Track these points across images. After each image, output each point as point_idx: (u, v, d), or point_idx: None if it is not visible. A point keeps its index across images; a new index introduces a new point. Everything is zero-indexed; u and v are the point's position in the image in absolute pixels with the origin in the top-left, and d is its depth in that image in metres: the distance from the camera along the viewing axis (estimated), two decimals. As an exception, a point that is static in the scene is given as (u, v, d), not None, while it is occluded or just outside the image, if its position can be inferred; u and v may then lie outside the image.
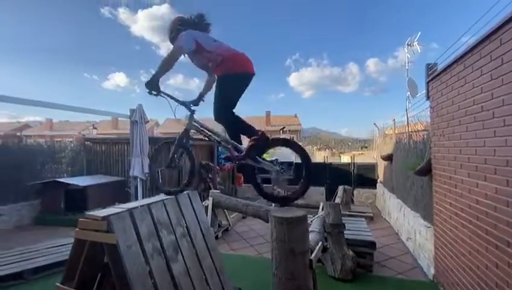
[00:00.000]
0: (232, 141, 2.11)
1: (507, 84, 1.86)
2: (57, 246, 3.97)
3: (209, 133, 2.19)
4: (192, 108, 2.24)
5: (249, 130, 2.07)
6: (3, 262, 3.39)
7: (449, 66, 2.78)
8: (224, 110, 2.05)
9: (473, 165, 2.34)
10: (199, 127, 2.18)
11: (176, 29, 2.17)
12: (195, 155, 7.94)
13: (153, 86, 1.95)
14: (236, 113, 2.10)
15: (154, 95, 1.99)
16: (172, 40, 2.18)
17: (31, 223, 5.87)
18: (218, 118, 2.05)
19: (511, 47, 1.82)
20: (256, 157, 2.06)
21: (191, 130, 2.20)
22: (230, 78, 2.05)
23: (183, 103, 2.20)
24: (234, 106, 2.09)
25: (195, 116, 2.21)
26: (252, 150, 2.00)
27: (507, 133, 1.87)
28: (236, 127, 2.12)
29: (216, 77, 2.13)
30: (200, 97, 2.38)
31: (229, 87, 2.07)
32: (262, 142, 2.01)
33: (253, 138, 2.00)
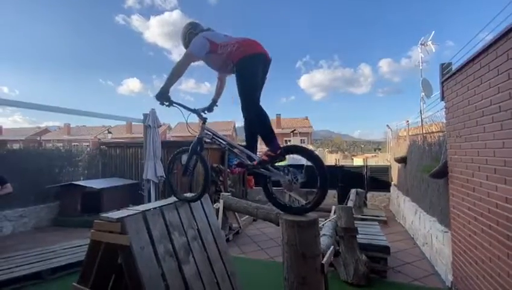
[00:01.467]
0: (246, 150, 2.05)
1: (527, 83, 1.79)
2: (73, 247, 4.10)
3: (221, 141, 2.17)
4: (204, 116, 2.24)
5: (270, 136, 1.95)
6: (23, 262, 3.53)
7: (464, 65, 2.70)
8: (250, 100, 1.96)
9: (492, 167, 2.25)
10: (211, 135, 2.17)
11: (189, 34, 2.20)
12: (207, 159, 8.02)
13: (163, 98, 1.96)
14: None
15: (166, 106, 2.01)
16: (187, 46, 2.19)
17: (49, 225, 6.08)
18: (244, 116, 1.99)
19: (531, 45, 1.75)
20: (269, 167, 1.99)
21: (204, 139, 2.20)
22: (248, 60, 2.00)
23: (195, 111, 2.19)
24: (258, 93, 2.04)
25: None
26: (265, 164, 1.94)
27: (528, 134, 1.79)
28: (260, 123, 1.98)
29: (234, 65, 2.05)
30: (214, 103, 2.38)
31: (248, 70, 2.00)
32: (276, 159, 1.94)
33: (268, 153, 1.91)
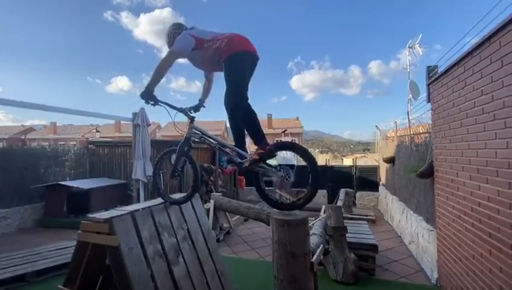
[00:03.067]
0: (237, 149, 2.02)
1: (507, 87, 1.86)
2: (59, 248, 3.99)
3: (211, 140, 2.14)
4: (191, 115, 2.21)
5: (258, 134, 1.94)
6: (7, 265, 3.41)
7: (449, 68, 2.78)
8: (237, 94, 1.94)
9: (475, 167, 2.33)
10: (200, 134, 2.14)
11: (173, 34, 2.18)
12: (197, 158, 7.94)
13: (148, 96, 1.93)
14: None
15: (152, 104, 1.97)
16: (171, 46, 2.16)
17: (34, 226, 5.90)
18: (231, 104, 1.94)
19: (511, 49, 1.82)
20: (262, 164, 1.97)
21: (192, 138, 2.16)
22: (237, 57, 1.98)
23: (182, 110, 2.16)
24: (246, 89, 2.00)
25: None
26: (257, 163, 1.92)
27: (508, 135, 1.86)
28: (249, 120, 1.96)
29: (223, 61, 2.02)
30: (201, 103, 2.35)
31: (237, 66, 1.98)
32: (267, 156, 1.93)
33: (259, 152, 1.89)
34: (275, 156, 1.97)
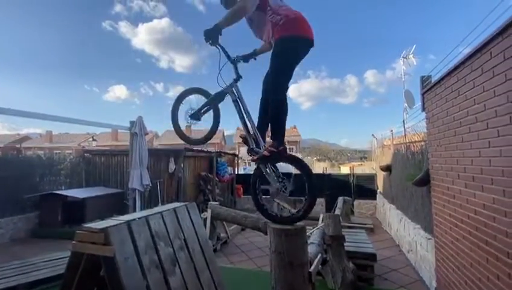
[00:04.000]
0: (258, 134, 1.94)
1: (499, 96, 1.90)
2: (53, 259, 3.90)
3: (242, 109, 1.99)
4: (239, 73, 2.04)
5: (280, 130, 1.87)
6: (-2, 277, 3.33)
7: (442, 78, 2.84)
8: (278, 85, 1.86)
9: (470, 175, 2.36)
10: (236, 96, 2.00)
11: None
12: (194, 167, 7.90)
13: (212, 36, 1.79)
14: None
15: (210, 43, 1.83)
16: (226, 2, 2.03)
17: (27, 236, 5.78)
18: (268, 91, 1.88)
19: (501, 60, 1.88)
20: (268, 165, 1.92)
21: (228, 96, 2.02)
22: (292, 42, 1.85)
23: (233, 62, 2.03)
24: (289, 79, 1.91)
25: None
26: (264, 159, 1.88)
27: (501, 144, 1.89)
28: (276, 114, 1.87)
29: (274, 41, 1.91)
30: (254, 53, 2.21)
31: (286, 51, 1.85)
32: (276, 158, 1.88)
33: (271, 149, 1.82)
34: (281, 161, 1.93)
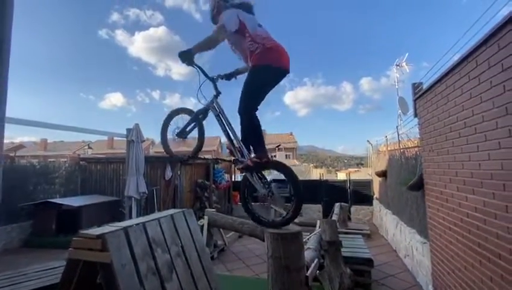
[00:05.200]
0: (243, 145, 2.05)
1: (485, 102, 1.98)
2: (47, 269, 3.83)
3: (225, 122, 2.14)
4: (218, 89, 2.20)
5: (259, 144, 1.99)
6: (-10, 287, 3.26)
7: (432, 85, 2.93)
8: (247, 102, 1.98)
9: (461, 179, 2.41)
10: (218, 111, 2.15)
11: (217, 5, 2.11)
12: (191, 174, 7.88)
13: (186, 58, 1.94)
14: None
15: (186, 64, 1.98)
16: (214, 18, 2.13)
17: (20, 246, 5.68)
18: (240, 111, 1.99)
19: (486, 67, 1.96)
20: (254, 173, 2.03)
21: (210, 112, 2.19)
22: (267, 71, 1.96)
23: (212, 80, 2.17)
24: (258, 102, 2.02)
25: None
26: (248, 169, 1.99)
27: (489, 148, 1.96)
28: (251, 130, 1.99)
29: (250, 66, 2.02)
30: (236, 72, 2.31)
31: (262, 80, 1.97)
32: (261, 167, 1.99)
33: (254, 159, 1.94)
34: (268, 168, 2.04)
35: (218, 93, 2.20)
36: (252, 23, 2.01)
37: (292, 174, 1.92)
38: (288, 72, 2.03)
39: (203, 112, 2.19)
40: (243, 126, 2.02)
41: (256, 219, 2.09)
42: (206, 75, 2.14)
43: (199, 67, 2.09)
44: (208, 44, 1.94)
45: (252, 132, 2.01)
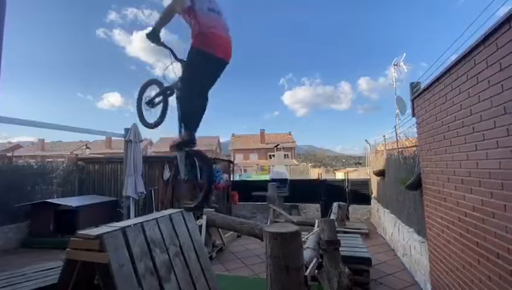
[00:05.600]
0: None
1: (483, 101, 1.98)
2: (45, 269, 3.81)
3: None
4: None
5: (187, 124, 2.14)
6: (-13, 288, 3.24)
7: (430, 85, 2.94)
8: (187, 90, 2.08)
9: (459, 178, 2.42)
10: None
11: None
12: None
13: (153, 37, 2.02)
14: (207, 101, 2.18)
15: (155, 44, 2.07)
16: None
17: (18, 246, 5.65)
18: (178, 97, 2.14)
19: (484, 67, 1.96)
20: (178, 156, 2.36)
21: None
22: (197, 54, 1.98)
23: (180, 60, 2.22)
24: (199, 87, 2.10)
25: None
26: (173, 148, 2.22)
27: (487, 147, 1.96)
28: (183, 112, 2.12)
29: (190, 47, 2.04)
30: None
31: (195, 64, 2.02)
32: (181, 145, 2.18)
33: (177, 139, 2.17)
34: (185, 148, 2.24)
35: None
36: (202, 5, 2.01)
37: (206, 158, 2.26)
38: (226, 63, 2.08)
39: (169, 89, 2.43)
40: (178, 106, 2.14)
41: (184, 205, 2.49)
42: (175, 56, 2.19)
43: (168, 48, 2.14)
44: (167, 14, 1.96)
45: (184, 114, 2.13)
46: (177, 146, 2.19)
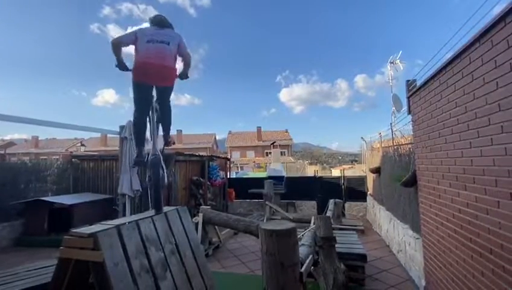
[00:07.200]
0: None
1: (478, 99, 1.99)
2: (38, 268, 3.78)
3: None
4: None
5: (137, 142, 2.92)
6: (-20, 288, 3.19)
7: (426, 82, 2.95)
8: (135, 111, 2.68)
9: (454, 175, 2.44)
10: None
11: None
12: (186, 171, 7.82)
13: (121, 67, 2.60)
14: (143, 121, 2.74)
15: (125, 71, 2.60)
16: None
17: (11, 245, 5.59)
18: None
19: (479, 64, 1.97)
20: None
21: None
22: (134, 84, 2.54)
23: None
24: (144, 106, 2.66)
25: None
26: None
27: (481, 144, 1.98)
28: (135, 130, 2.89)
29: None
30: None
31: (134, 93, 2.59)
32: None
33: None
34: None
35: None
36: (142, 39, 2.53)
37: (155, 164, 2.66)
38: (159, 87, 2.67)
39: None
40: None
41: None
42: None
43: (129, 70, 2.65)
44: (112, 48, 2.54)
45: (137, 133, 2.88)
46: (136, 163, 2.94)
